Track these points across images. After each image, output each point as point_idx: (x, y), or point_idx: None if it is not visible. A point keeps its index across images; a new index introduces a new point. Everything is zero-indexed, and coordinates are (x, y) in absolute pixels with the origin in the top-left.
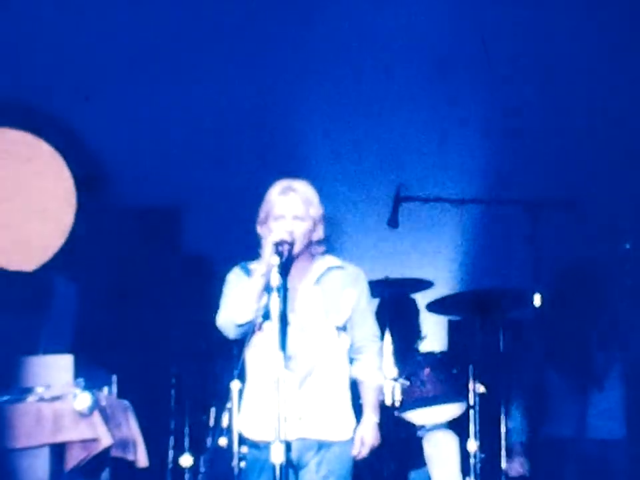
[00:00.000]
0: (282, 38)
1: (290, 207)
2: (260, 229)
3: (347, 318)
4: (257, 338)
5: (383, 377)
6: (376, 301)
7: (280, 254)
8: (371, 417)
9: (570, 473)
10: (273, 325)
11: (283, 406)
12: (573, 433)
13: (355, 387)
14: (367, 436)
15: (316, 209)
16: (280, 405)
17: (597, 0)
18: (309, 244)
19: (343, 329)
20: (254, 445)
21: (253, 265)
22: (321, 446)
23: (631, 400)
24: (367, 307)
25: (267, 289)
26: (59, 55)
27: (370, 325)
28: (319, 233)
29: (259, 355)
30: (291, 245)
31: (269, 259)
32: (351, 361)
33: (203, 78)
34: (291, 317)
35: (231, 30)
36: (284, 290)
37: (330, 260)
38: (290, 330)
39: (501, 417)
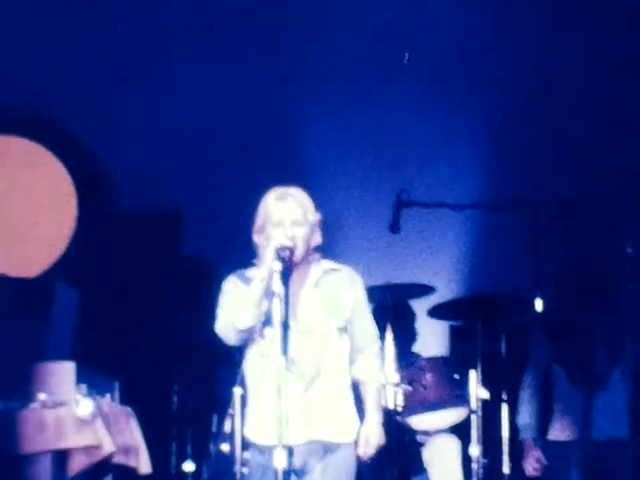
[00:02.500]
0: (280, 42)
1: (288, 213)
2: (256, 237)
3: (347, 319)
4: (258, 344)
5: (384, 377)
6: (377, 306)
7: (282, 259)
8: (374, 416)
9: (574, 474)
10: (274, 331)
11: (286, 410)
12: (577, 435)
13: (356, 388)
14: (372, 435)
15: (313, 215)
16: (283, 410)
17: (593, 7)
18: (308, 250)
19: (344, 330)
20: (257, 450)
21: (251, 272)
22: (327, 450)
23: (634, 401)
24: (365, 307)
25: (267, 294)
26: (57, 58)
27: (369, 325)
28: (317, 239)
29: (262, 360)
30: (292, 250)
31: (270, 265)
32: (351, 361)
33: (203, 80)
34: (292, 322)
35: (230, 34)
36: (286, 296)
37: (325, 263)
38: (292, 334)
39: (502, 422)
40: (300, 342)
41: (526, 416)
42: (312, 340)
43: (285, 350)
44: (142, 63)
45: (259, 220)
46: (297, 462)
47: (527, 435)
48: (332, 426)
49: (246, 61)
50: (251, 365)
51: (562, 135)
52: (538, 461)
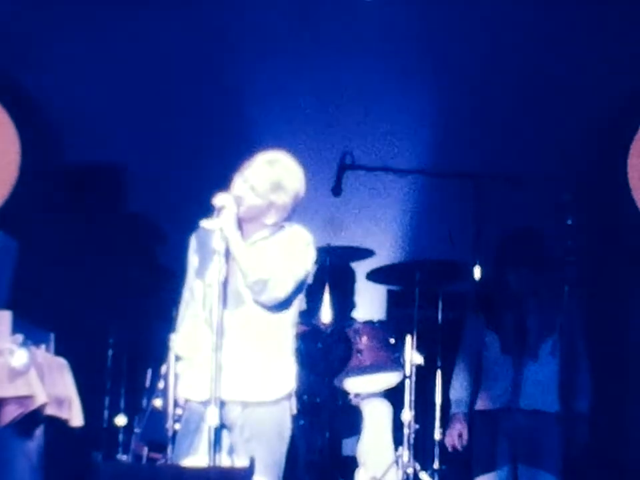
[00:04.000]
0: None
1: (253, 175)
2: None
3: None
4: (194, 301)
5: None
6: (316, 268)
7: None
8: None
9: (501, 443)
10: (212, 288)
11: (218, 367)
12: (505, 404)
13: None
14: None
15: (281, 196)
16: (218, 366)
17: None
18: (257, 220)
19: None
20: (189, 407)
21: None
22: (246, 406)
23: (565, 375)
24: (285, 262)
25: (209, 251)
26: (5, 13)
27: (279, 278)
28: (273, 219)
29: (196, 316)
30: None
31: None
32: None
33: (153, 34)
34: (231, 279)
35: None
36: (226, 254)
37: (284, 226)
38: (229, 292)
39: (435, 388)
40: (231, 301)
41: (459, 391)
42: (241, 299)
43: (221, 308)
44: (91, 18)
45: None
46: (226, 417)
47: (458, 410)
48: (251, 385)
49: (191, 20)
50: (187, 320)
51: (507, 105)
52: (460, 435)
